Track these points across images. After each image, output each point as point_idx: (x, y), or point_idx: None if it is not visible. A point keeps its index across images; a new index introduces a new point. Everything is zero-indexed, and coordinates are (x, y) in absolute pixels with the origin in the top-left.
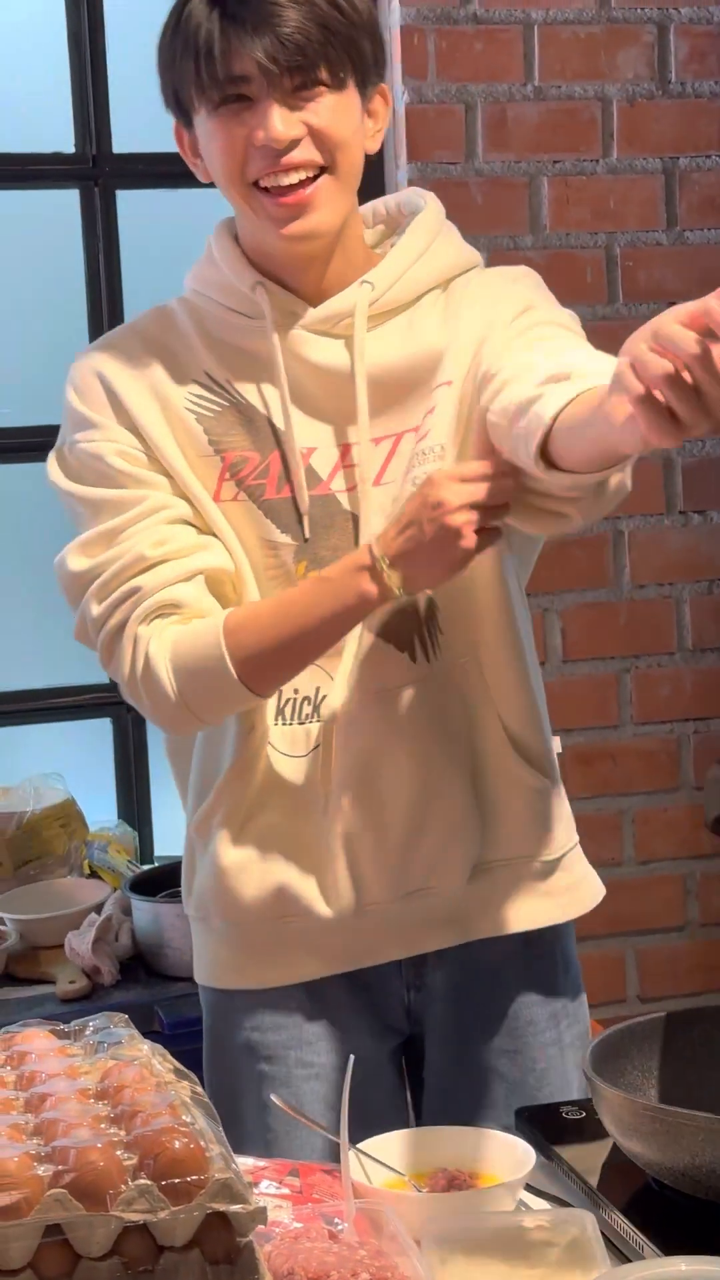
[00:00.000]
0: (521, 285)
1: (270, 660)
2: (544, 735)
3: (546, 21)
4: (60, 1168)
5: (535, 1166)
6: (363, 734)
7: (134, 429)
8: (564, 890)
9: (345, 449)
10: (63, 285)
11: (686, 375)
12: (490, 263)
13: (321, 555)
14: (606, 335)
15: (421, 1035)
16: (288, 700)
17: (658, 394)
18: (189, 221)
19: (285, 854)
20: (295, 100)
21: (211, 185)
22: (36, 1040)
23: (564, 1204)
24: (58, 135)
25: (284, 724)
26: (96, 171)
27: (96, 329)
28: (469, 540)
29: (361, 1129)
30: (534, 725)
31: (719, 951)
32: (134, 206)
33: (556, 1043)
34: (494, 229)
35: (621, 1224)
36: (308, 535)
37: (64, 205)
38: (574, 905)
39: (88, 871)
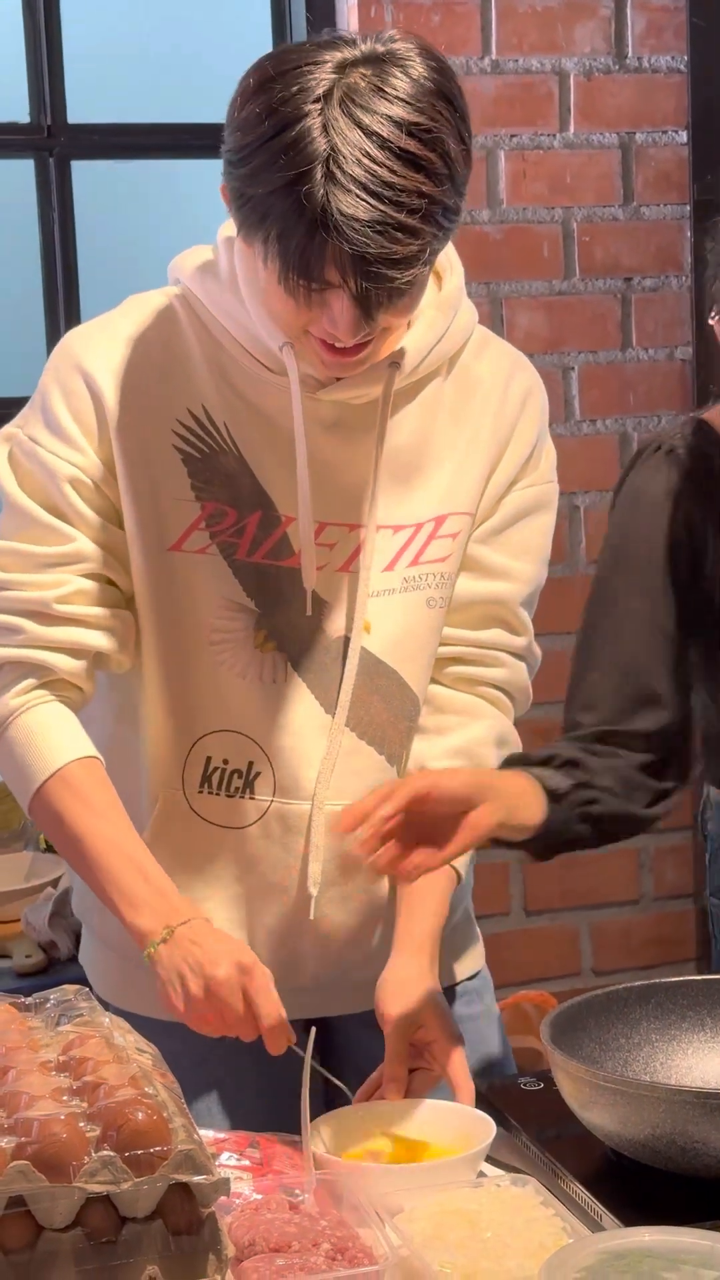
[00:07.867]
0: (525, 426)
1: (54, 833)
2: None
3: None
4: (23, 1139)
5: (495, 1138)
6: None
7: (110, 460)
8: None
9: (321, 527)
10: (17, 257)
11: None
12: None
13: (280, 629)
14: (563, 310)
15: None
16: (215, 769)
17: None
18: (145, 192)
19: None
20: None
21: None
22: None
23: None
24: (12, 105)
25: (209, 792)
26: (51, 142)
27: (51, 301)
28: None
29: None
30: None
31: (672, 924)
32: (89, 177)
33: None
34: None
35: (581, 1195)
36: (309, 611)
37: (19, 175)
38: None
39: (43, 846)
